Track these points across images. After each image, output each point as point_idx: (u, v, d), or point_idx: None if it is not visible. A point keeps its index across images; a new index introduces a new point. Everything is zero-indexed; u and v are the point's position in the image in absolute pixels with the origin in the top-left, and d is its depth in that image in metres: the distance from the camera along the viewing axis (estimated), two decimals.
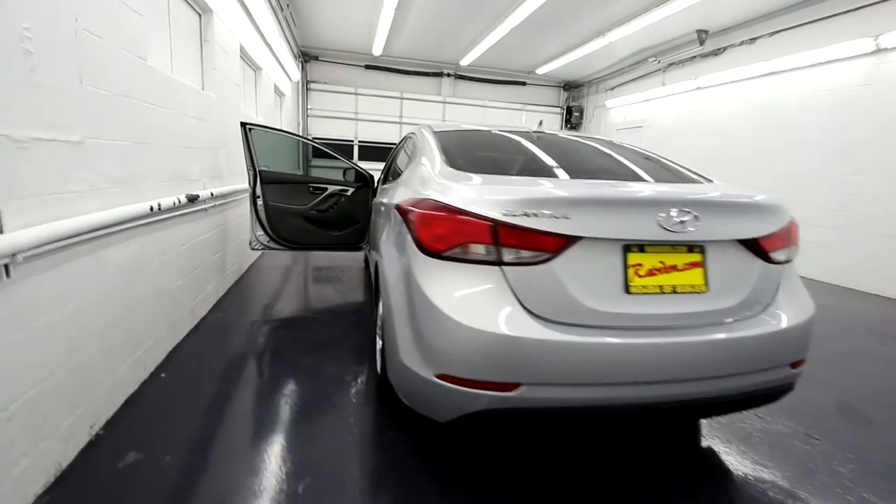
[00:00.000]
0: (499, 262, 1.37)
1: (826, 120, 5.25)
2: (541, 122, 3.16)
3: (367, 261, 4.82)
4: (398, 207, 1.80)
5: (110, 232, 1.75)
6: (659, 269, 1.44)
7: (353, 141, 9.60)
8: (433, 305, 1.38)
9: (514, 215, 1.36)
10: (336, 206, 3.98)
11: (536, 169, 1.98)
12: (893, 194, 4.62)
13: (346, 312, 3.47)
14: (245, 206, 4.57)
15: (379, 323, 2.04)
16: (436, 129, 2.36)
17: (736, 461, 1.76)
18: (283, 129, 3.99)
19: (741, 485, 1.63)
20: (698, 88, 7.12)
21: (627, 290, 1.40)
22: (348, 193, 4.00)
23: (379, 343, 2.07)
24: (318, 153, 9.16)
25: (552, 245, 1.36)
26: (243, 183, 4.32)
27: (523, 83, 10.19)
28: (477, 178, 1.63)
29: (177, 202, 2.36)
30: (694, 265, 1.47)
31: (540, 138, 2.32)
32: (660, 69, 7.90)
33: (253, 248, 3.75)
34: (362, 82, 9.39)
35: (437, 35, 7.60)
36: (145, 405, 1.95)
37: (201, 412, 1.92)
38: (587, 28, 6.75)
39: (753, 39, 6.16)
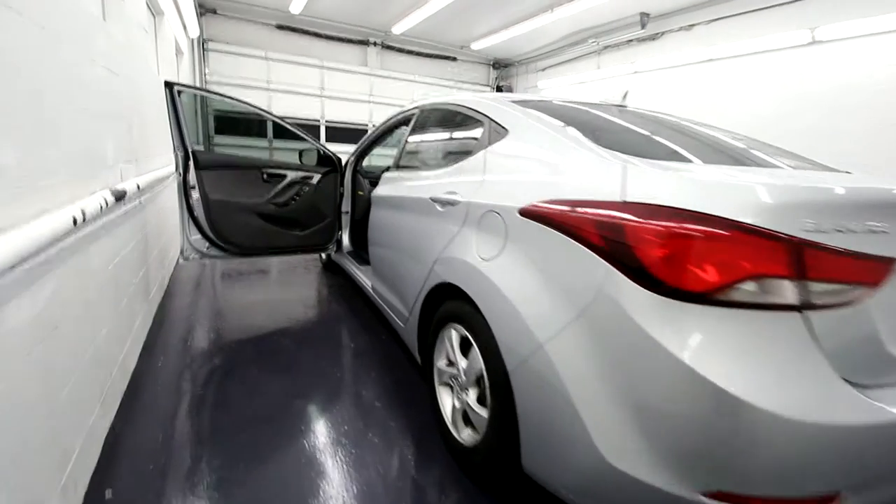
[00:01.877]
0: (802, 306, 0.86)
1: (760, 107, 5.59)
2: (626, 94, 2.67)
3: (328, 264, 3.97)
4: (548, 215, 1.16)
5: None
6: None
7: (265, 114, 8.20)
8: (705, 384, 0.83)
9: (822, 231, 0.86)
10: (299, 198, 3.10)
11: (672, 154, 1.49)
12: None
13: (326, 333, 2.69)
14: (166, 200, 3.43)
15: (486, 379, 1.36)
16: (514, 99, 1.74)
17: None
18: (225, 94, 2.96)
19: None
20: (635, 73, 7.25)
21: None
22: (313, 181, 3.14)
23: (478, 410, 1.41)
24: (224, 128, 7.67)
25: (875, 274, 0.89)
26: (162, 167, 3.20)
27: (454, 59, 9.62)
28: (689, 168, 1.10)
29: (103, 205, 1.43)
30: None
31: (635, 114, 1.82)
32: (595, 51, 7.92)
33: (186, 259, 2.76)
34: (275, 45, 8.01)
35: None
36: None
37: None
38: (533, 2, 6.40)
39: (691, 26, 6.35)
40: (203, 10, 7.40)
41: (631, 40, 7.22)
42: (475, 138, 1.70)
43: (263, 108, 2.95)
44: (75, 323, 1.32)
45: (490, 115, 1.62)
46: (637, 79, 7.24)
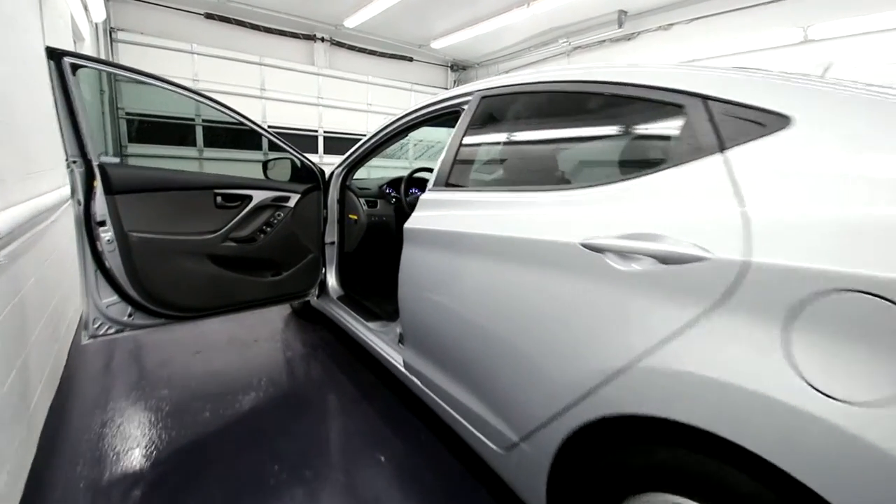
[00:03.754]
0: None
1: None
2: (828, 67, 2.06)
3: (302, 309, 3.01)
4: None
5: None
6: None
7: (194, 120, 6.92)
8: None
9: None
10: (271, 229, 2.19)
11: None
12: None
13: (326, 444, 1.80)
14: (53, 242, 2.33)
15: None
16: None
17: None
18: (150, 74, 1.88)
19: None
20: None
21: None
22: (289, 204, 2.25)
23: None
24: (144, 133, 6.33)
25: None
26: (54, 189, 2.15)
27: (410, 59, 8.85)
28: None
29: None
30: None
31: None
32: (565, 52, 7.52)
33: (94, 337, 1.77)
34: (203, 37, 6.77)
35: None
36: None
37: None
38: None
39: (670, 25, 6.09)
40: None
41: (604, 41, 6.88)
42: (669, 136, 0.96)
43: (222, 104, 2.00)
44: None
45: (718, 96, 0.88)
46: None
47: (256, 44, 7.23)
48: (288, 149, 2.23)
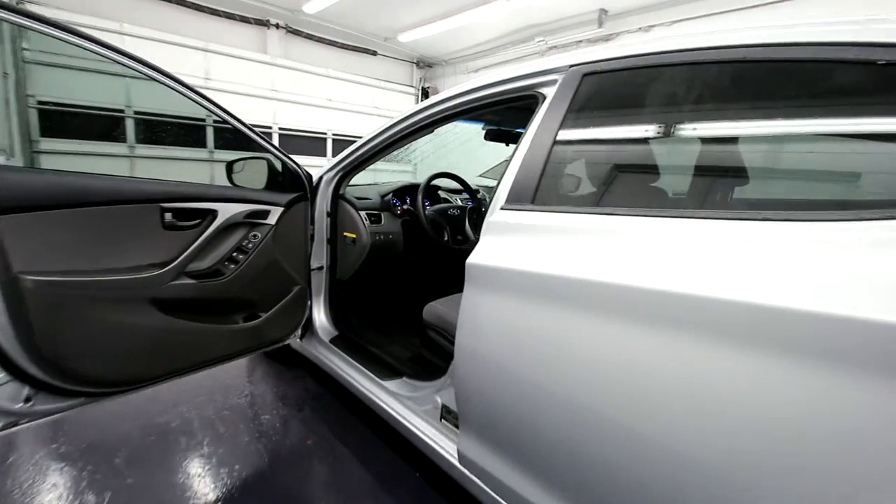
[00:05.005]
0: None
1: None
2: None
3: (276, 353, 2.38)
4: None
5: None
6: None
7: (123, 112, 5.93)
8: None
9: None
10: (245, 256, 1.60)
11: None
12: None
13: None
14: None
15: None
16: None
17: None
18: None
19: None
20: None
21: None
22: (269, 220, 1.66)
23: None
24: (61, 126, 5.33)
25: None
26: None
27: (374, 53, 8.23)
28: None
29: None
30: None
31: None
32: (539, 52, 7.24)
33: None
34: (135, 16, 5.83)
35: None
36: None
37: None
38: None
39: (651, 27, 5.94)
40: None
41: (581, 41, 6.65)
42: None
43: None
44: None
45: None
46: None
47: (200, 27, 6.36)
48: (266, 145, 1.64)
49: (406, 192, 2.28)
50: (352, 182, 2.01)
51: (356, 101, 7.99)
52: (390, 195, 2.20)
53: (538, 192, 1.04)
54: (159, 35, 5.99)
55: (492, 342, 1.04)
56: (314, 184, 1.89)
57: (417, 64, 8.98)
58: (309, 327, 1.98)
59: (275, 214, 1.64)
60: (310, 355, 2.00)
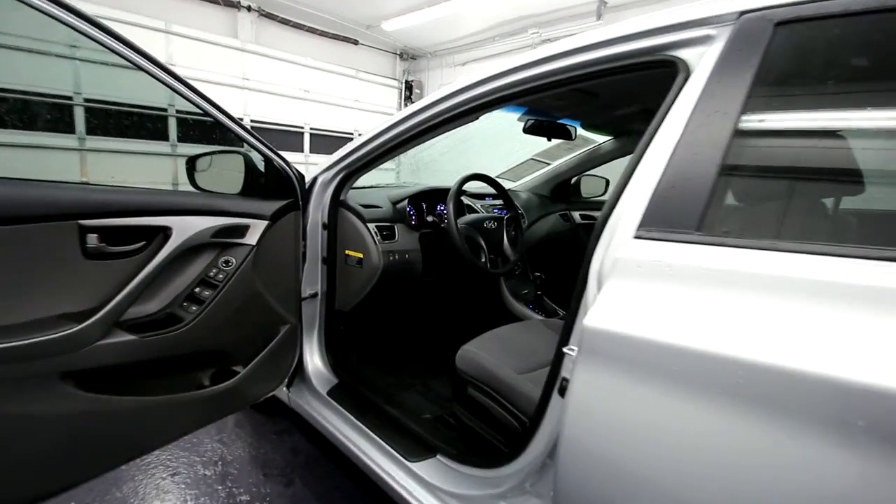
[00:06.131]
0: None
1: None
2: None
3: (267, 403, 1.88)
4: None
5: None
6: None
7: (72, 99, 5.22)
8: None
9: None
10: (213, 292, 1.12)
11: None
12: None
13: None
14: None
15: None
16: None
17: None
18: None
19: None
20: None
21: None
22: (248, 240, 1.19)
23: None
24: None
25: None
26: None
27: (355, 42, 7.70)
28: None
29: None
30: None
31: None
32: (530, 45, 6.88)
33: None
34: None
35: None
36: None
37: None
38: None
39: None
40: None
41: (576, 34, 6.33)
42: None
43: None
44: None
45: None
46: None
47: (163, 6, 5.71)
48: (247, 136, 1.19)
49: (424, 198, 1.82)
50: (357, 184, 1.55)
51: (335, 92, 7.44)
52: (405, 202, 1.74)
53: (707, 214, 0.64)
54: (115, 14, 5.30)
55: (635, 451, 0.63)
56: (307, 187, 1.44)
57: (401, 55, 8.49)
58: (299, 372, 1.52)
59: (256, 231, 1.17)
60: (300, 410, 1.54)
